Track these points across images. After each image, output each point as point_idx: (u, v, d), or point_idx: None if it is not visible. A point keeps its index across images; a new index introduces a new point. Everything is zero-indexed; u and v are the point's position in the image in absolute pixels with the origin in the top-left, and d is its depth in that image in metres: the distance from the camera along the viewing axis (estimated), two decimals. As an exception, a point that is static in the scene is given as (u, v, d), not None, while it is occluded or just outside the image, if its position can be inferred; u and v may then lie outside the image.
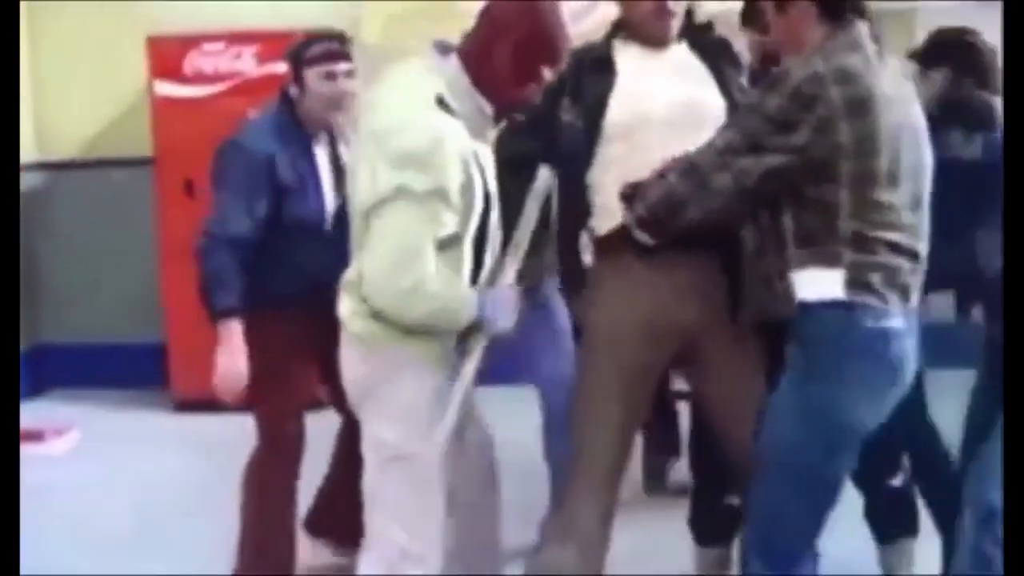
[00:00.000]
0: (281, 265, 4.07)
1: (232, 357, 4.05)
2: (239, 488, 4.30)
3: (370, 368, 3.44)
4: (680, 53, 3.70)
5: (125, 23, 7.21)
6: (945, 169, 3.44)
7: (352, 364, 3.48)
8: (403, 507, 3.46)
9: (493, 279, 3.48)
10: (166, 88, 7.02)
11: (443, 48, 3.38)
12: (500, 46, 3.27)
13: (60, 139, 7.49)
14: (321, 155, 4.21)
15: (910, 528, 4.27)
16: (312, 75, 4.13)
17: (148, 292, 7.26)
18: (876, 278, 3.14)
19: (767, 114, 3.12)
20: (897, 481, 4.24)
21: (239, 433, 4.38)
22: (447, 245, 3.29)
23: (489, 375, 3.72)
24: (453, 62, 3.33)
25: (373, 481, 3.49)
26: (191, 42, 7.03)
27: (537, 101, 3.40)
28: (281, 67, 4.34)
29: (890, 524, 4.28)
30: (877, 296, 3.14)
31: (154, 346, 7.23)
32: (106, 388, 7.30)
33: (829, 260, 3.15)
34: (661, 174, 3.27)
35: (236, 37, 6.98)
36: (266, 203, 4.06)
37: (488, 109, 3.33)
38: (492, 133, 3.55)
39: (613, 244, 3.59)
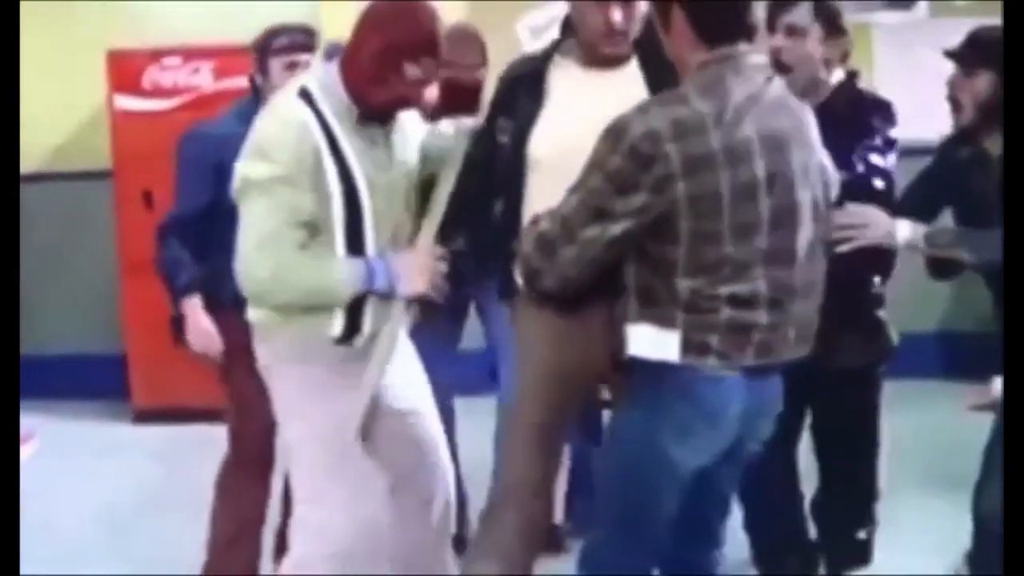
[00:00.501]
0: None
1: (200, 329, 4.24)
2: (201, 494, 4.40)
3: (264, 352, 3.61)
4: (626, 75, 3.51)
5: (85, 38, 7.26)
6: (996, 170, 3.41)
7: (257, 352, 3.64)
8: (311, 490, 3.58)
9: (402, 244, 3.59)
10: (126, 102, 7.12)
11: (334, 49, 3.56)
12: (366, 45, 3.40)
13: (21, 152, 7.49)
14: None
15: (865, 559, 4.26)
16: (276, 64, 4.26)
17: (108, 303, 7.32)
18: (715, 339, 3.04)
19: (608, 173, 3.02)
20: None
21: (197, 442, 4.45)
22: (318, 230, 3.42)
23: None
24: (335, 62, 3.48)
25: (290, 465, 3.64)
26: (150, 57, 7.12)
27: (414, 99, 3.48)
28: (238, 82, 4.43)
29: (843, 555, 4.26)
30: (715, 355, 3.05)
31: (114, 357, 7.28)
32: (65, 398, 7.30)
33: (665, 321, 3.06)
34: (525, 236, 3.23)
35: (194, 52, 7.08)
36: (215, 186, 4.11)
37: (352, 105, 3.44)
38: (407, 125, 3.63)
39: None
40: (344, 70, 3.45)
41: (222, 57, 6.91)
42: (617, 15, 3.42)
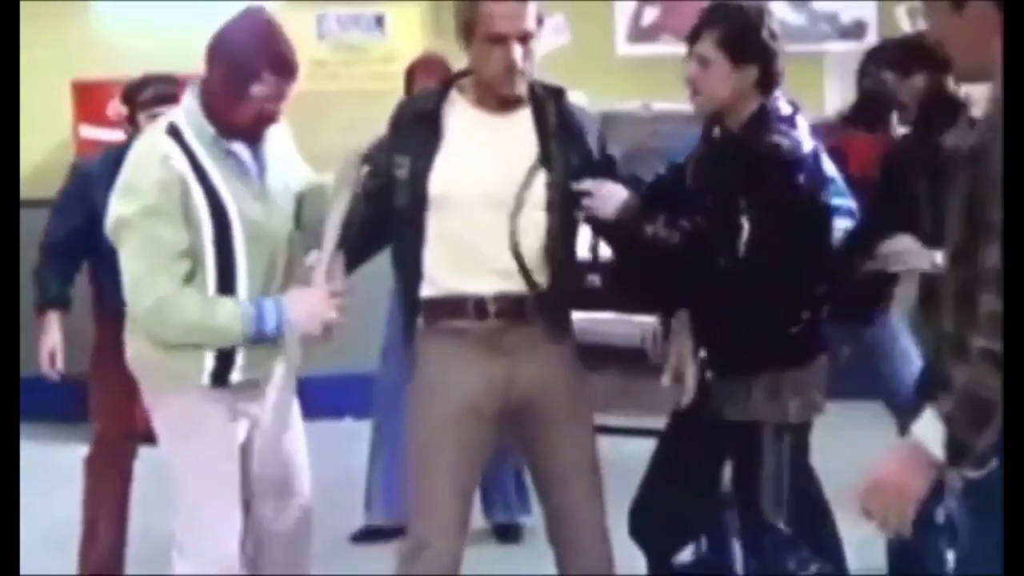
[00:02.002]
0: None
1: (48, 346, 4.70)
2: (144, 515, 4.50)
3: (145, 386, 3.70)
4: (519, 119, 3.63)
5: (51, 69, 7.41)
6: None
7: (141, 387, 3.73)
8: (189, 517, 3.69)
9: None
10: (90, 131, 7.32)
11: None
12: (216, 72, 3.53)
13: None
14: None
15: None
16: (142, 117, 4.50)
17: (71, 328, 7.32)
18: None
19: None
20: None
21: (152, 465, 4.52)
22: (192, 261, 3.45)
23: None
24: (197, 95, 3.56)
25: None
26: (114, 87, 7.15)
27: (272, 114, 3.56)
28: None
29: None
30: None
31: (79, 380, 7.27)
32: (26, 422, 7.26)
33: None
34: None
35: (157, 82, 7.13)
36: (80, 217, 4.48)
37: (217, 135, 3.53)
38: (284, 148, 3.75)
39: (436, 314, 3.64)
40: (203, 99, 3.54)
41: (183, 87, 6.88)
42: (517, 54, 3.50)
